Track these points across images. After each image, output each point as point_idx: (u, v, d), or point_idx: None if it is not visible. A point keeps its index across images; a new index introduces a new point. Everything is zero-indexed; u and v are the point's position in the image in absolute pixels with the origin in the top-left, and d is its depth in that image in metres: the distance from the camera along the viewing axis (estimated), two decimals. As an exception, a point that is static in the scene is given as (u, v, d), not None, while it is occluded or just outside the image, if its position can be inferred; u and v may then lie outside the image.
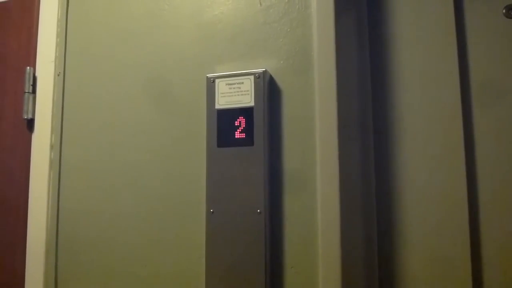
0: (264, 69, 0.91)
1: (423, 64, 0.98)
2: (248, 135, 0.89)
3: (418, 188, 0.95)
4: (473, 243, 0.91)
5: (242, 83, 0.91)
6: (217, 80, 0.93)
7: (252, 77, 0.91)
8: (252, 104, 0.90)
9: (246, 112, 0.90)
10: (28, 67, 1.13)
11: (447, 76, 0.95)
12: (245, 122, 0.90)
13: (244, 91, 0.91)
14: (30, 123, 1.13)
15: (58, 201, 1.08)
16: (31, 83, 1.12)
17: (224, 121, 0.91)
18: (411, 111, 0.98)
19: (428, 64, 0.97)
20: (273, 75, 0.92)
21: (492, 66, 0.94)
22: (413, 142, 0.97)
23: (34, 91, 1.13)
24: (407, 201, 0.96)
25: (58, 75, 1.12)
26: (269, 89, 0.91)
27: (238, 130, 0.90)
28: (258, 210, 0.87)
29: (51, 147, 1.10)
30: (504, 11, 0.94)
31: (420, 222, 0.94)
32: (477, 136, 0.94)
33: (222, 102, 0.92)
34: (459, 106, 0.94)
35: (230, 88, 0.92)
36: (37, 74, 1.13)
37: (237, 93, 0.91)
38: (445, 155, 0.94)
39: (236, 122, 0.90)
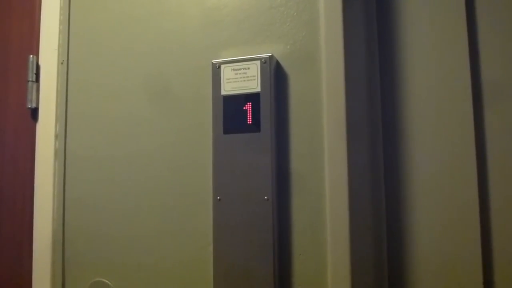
0: (270, 54, 0.89)
1: (433, 56, 0.95)
2: (254, 121, 0.88)
3: (428, 184, 0.94)
4: (484, 244, 0.89)
5: (248, 68, 0.90)
6: (222, 66, 0.92)
7: (258, 62, 0.89)
8: (258, 89, 0.88)
9: (253, 97, 0.88)
10: (31, 56, 1.11)
11: (458, 70, 0.93)
12: (251, 108, 0.88)
13: (250, 76, 0.89)
14: (34, 113, 1.12)
15: (64, 191, 1.07)
16: (34, 71, 1.11)
17: (230, 107, 0.90)
18: (420, 102, 0.96)
19: (438, 55, 0.95)
20: (279, 60, 0.90)
21: (504, 65, 0.91)
22: (423, 137, 0.95)
23: (37, 80, 1.11)
24: (417, 194, 0.94)
25: (62, 63, 1.11)
26: (276, 74, 0.90)
27: (244, 116, 0.89)
28: (266, 197, 0.86)
29: (56, 136, 1.09)
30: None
31: (430, 221, 0.93)
32: (488, 136, 0.91)
33: (228, 88, 0.91)
34: (470, 104, 0.92)
35: (236, 74, 0.90)
36: (40, 62, 1.12)
37: (243, 79, 0.90)
38: (456, 153, 0.92)
39: (242, 108, 0.89)
